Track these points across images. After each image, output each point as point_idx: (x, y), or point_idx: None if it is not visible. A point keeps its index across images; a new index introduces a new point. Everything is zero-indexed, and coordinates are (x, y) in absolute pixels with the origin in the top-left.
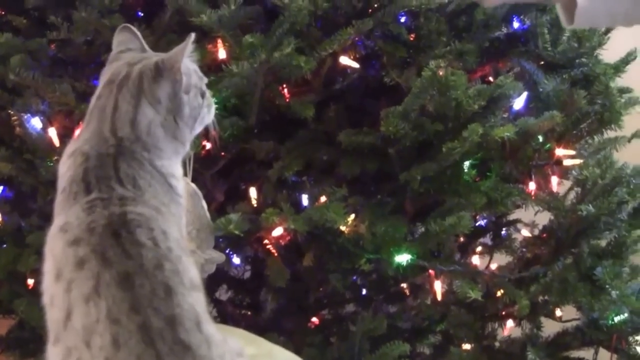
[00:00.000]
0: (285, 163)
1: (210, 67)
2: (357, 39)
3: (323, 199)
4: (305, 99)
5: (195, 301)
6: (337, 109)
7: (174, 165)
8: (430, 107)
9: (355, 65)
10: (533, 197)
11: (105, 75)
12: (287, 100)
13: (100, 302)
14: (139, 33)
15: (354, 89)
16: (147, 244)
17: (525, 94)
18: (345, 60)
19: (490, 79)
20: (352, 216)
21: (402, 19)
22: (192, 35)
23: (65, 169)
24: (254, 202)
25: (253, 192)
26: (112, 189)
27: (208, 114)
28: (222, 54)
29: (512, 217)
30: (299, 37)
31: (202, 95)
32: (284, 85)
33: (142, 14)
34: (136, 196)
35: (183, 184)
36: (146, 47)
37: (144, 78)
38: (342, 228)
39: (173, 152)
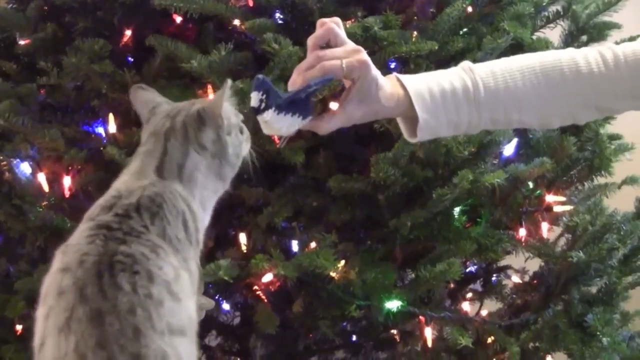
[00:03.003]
0: (275, 209)
1: None
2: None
3: (313, 245)
4: (294, 145)
5: (170, 345)
6: (326, 155)
7: (210, 199)
8: (420, 153)
9: None
10: (523, 244)
11: (146, 131)
12: (277, 146)
13: (70, 336)
14: (152, 89)
15: (344, 135)
16: (124, 288)
17: (515, 141)
18: (335, 106)
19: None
20: (342, 262)
21: (392, 65)
22: (229, 82)
23: (96, 206)
24: (243, 248)
25: (243, 238)
26: (128, 216)
27: (246, 145)
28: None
29: (502, 263)
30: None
31: (242, 131)
32: None
33: (132, 60)
34: (143, 231)
35: (206, 224)
36: (170, 101)
37: (189, 128)
38: (332, 274)
39: (214, 188)
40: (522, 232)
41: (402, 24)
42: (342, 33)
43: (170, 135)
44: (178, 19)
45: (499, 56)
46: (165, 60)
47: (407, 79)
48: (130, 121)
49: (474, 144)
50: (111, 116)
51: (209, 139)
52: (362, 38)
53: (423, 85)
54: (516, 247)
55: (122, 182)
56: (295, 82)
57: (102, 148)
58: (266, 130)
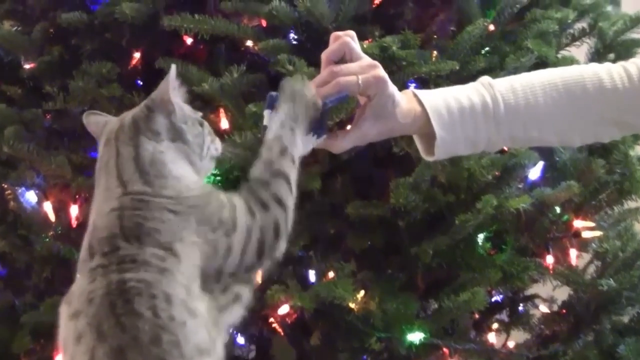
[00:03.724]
0: (290, 237)
1: None
2: None
3: (331, 274)
4: (311, 170)
5: None
6: (344, 180)
7: (188, 176)
8: (442, 177)
9: None
10: (551, 271)
11: (100, 142)
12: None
13: None
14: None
15: (362, 159)
16: (145, 314)
17: (541, 163)
18: None
19: (505, 147)
20: (362, 292)
21: (412, 86)
22: (174, 68)
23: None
24: (258, 278)
25: None
26: (115, 248)
27: (213, 144)
28: (224, 123)
29: (529, 292)
30: None
31: (201, 125)
32: None
33: (141, 83)
34: (138, 254)
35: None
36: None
37: (138, 120)
38: (351, 305)
39: (190, 170)
40: (550, 259)
41: (421, 43)
42: (357, 47)
43: (119, 135)
44: (189, 40)
45: None
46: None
47: (424, 94)
48: None
49: (497, 168)
50: None
51: (162, 125)
52: (380, 58)
53: (440, 101)
54: (543, 275)
55: (95, 211)
56: None
57: None
58: None
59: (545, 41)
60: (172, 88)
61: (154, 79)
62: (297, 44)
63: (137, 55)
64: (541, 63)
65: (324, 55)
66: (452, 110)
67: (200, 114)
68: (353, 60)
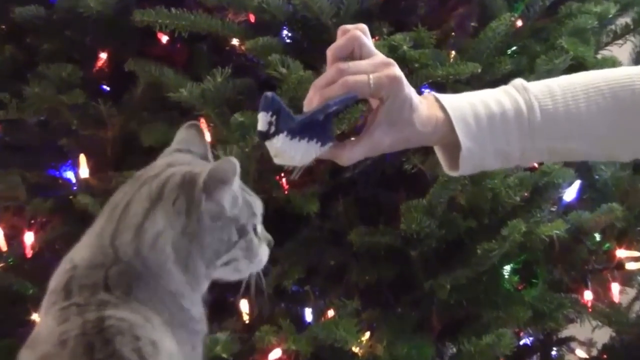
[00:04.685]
0: (283, 269)
1: None
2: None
3: (331, 313)
4: (307, 190)
5: None
6: (346, 203)
7: (188, 291)
8: (462, 199)
9: None
10: (589, 309)
11: (142, 170)
12: (286, 192)
13: None
14: (208, 135)
15: (367, 177)
16: (130, 357)
17: (577, 183)
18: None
19: (535, 164)
20: (367, 334)
21: (426, 92)
22: (232, 160)
23: (52, 280)
24: (245, 317)
25: (244, 305)
26: (95, 295)
27: (246, 261)
28: (206, 136)
29: (564, 334)
30: None
31: (241, 234)
32: (282, 175)
33: (108, 89)
34: (123, 301)
35: (202, 312)
36: (210, 155)
37: (169, 183)
38: (355, 349)
39: (184, 282)
40: (588, 296)
41: (437, 42)
42: (368, 42)
43: (145, 183)
44: (164, 39)
45: None
46: (148, 89)
47: (447, 99)
48: (107, 163)
49: (527, 187)
50: (83, 158)
51: (181, 207)
52: None
53: (466, 106)
54: (581, 314)
55: (80, 249)
56: (312, 100)
57: (71, 197)
58: (277, 160)
59: (582, 39)
60: (228, 182)
61: (123, 84)
62: (292, 43)
63: (103, 56)
64: (578, 65)
65: (329, 51)
66: (480, 117)
67: (259, 219)
68: (363, 57)
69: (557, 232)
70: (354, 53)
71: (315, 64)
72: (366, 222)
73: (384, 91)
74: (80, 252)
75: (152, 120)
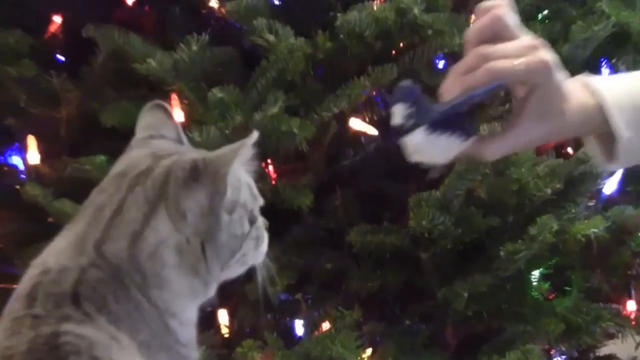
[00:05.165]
0: (270, 274)
1: None
2: (374, 93)
3: (326, 325)
4: (299, 181)
5: None
6: (345, 197)
7: (180, 304)
8: (482, 192)
9: (373, 131)
10: (633, 322)
11: (118, 165)
12: (274, 183)
13: None
14: (181, 115)
15: (371, 166)
16: None
17: (619, 173)
18: (357, 124)
19: (569, 150)
20: (369, 351)
21: (441, 64)
22: (255, 134)
23: (19, 286)
24: (225, 330)
25: (223, 316)
26: (59, 306)
27: (254, 251)
28: (178, 115)
29: (602, 351)
30: (290, 92)
31: (251, 223)
32: (269, 161)
33: (63, 59)
34: (88, 318)
35: (192, 336)
36: (184, 138)
37: (171, 179)
38: None
39: (187, 289)
40: (632, 306)
41: (453, 5)
42: (513, 21)
43: (137, 184)
44: (129, 1)
45: (596, 49)
46: (111, 59)
47: (599, 82)
48: (60, 147)
49: (559, 178)
50: (32, 140)
51: (196, 205)
52: (397, 25)
53: (623, 90)
54: (623, 328)
55: (55, 250)
56: (451, 89)
57: (18, 186)
58: (415, 157)
59: (625, 3)
60: (242, 160)
61: (80, 53)
62: (280, 6)
63: (57, 20)
64: (621, 33)
65: (469, 33)
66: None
67: (261, 202)
68: (507, 38)
69: (595, 231)
70: (497, 34)
71: (308, 30)
72: (368, 219)
73: (535, 78)
74: (54, 256)
75: (114, 97)
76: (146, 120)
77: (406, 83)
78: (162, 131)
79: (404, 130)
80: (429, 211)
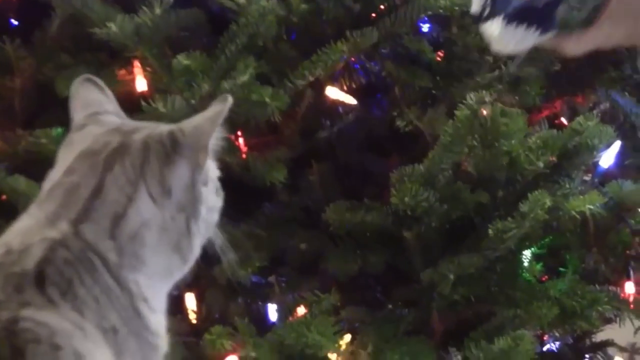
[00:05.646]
0: (241, 255)
1: (123, 103)
2: (353, 60)
3: (301, 310)
4: (272, 155)
5: None
6: (322, 171)
7: (153, 288)
8: (469, 166)
9: (351, 100)
10: (632, 306)
11: (73, 145)
12: (244, 156)
13: None
14: (109, 91)
15: (349, 138)
16: None
17: (618, 145)
18: (335, 93)
19: (563, 120)
20: (347, 338)
21: (425, 28)
22: (230, 100)
23: None
24: (192, 316)
25: (190, 300)
26: (21, 290)
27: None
28: (141, 83)
29: (599, 337)
30: (261, 58)
31: (218, 194)
32: (239, 134)
33: (16, 24)
34: (51, 304)
35: (162, 325)
36: (122, 113)
37: (152, 155)
38: (332, 356)
39: (164, 268)
40: (630, 289)
41: None
42: None
43: (114, 162)
44: None
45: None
46: (67, 24)
47: None
48: (14, 119)
49: (553, 150)
50: None
51: (181, 180)
52: None
53: None
54: (621, 312)
55: (20, 231)
56: None
57: None
58: (492, 46)
59: None
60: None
61: (35, 17)
62: None
63: None
64: None
65: None
66: None
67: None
68: None
69: (592, 207)
70: None
71: None
72: (347, 196)
73: None
74: (19, 235)
75: (72, 64)
76: (83, 96)
77: None
78: (104, 106)
79: (481, 18)
80: (412, 187)
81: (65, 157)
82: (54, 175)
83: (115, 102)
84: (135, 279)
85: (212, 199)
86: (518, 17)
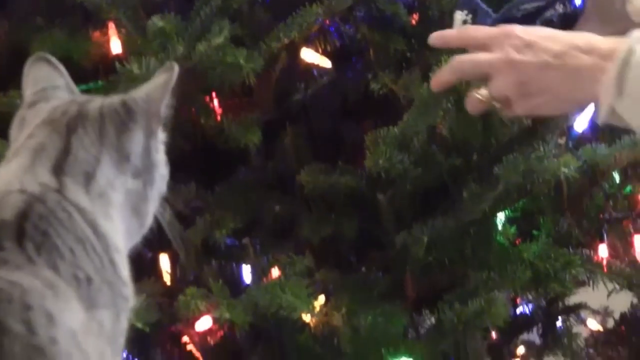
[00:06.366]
0: (214, 217)
1: (97, 67)
2: (328, 23)
3: (275, 272)
4: (246, 117)
5: None
6: (295, 134)
7: (122, 242)
8: (444, 129)
9: (326, 63)
10: (605, 269)
11: (25, 121)
12: (218, 119)
13: None
14: (62, 67)
15: (324, 102)
16: (15, 329)
17: (591, 110)
18: (309, 55)
19: None
20: (321, 300)
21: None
22: (177, 68)
23: None
24: (166, 277)
25: (165, 262)
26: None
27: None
28: (115, 46)
29: (572, 300)
30: (236, 20)
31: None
32: (213, 96)
33: None
34: (27, 262)
35: (129, 279)
36: (75, 88)
37: (107, 122)
38: (306, 318)
39: (125, 233)
40: (604, 252)
41: None
42: None
43: (77, 126)
44: None
45: None
46: None
47: None
48: None
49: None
50: None
51: (137, 146)
52: None
53: None
54: (594, 275)
55: None
56: None
57: None
58: None
59: None
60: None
61: None
62: None
63: None
64: None
65: None
66: None
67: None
68: None
69: (566, 171)
70: None
71: None
72: (321, 159)
73: None
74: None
75: (46, 26)
76: (33, 74)
77: None
78: (54, 82)
79: None
80: (386, 149)
81: (21, 134)
82: (18, 142)
83: (69, 78)
84: (109, 229)
85: (162, 168)
86: None
